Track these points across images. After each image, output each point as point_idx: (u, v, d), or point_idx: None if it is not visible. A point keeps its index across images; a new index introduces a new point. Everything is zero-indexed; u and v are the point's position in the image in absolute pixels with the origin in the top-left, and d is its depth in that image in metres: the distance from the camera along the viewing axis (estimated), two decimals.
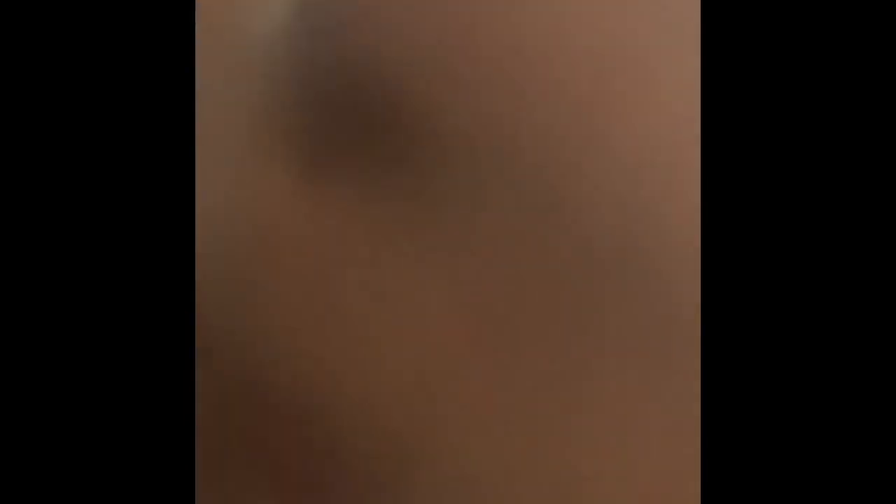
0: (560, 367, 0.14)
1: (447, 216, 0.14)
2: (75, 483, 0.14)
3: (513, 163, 0.14)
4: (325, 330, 0.14)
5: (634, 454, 0.14)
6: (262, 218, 0.15)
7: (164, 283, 0.14)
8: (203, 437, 0.14)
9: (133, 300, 0.14)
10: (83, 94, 0.14)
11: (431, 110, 0.14)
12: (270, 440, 0.15)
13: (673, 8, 0.14)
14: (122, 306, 0.14)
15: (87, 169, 0.14)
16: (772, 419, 0.14)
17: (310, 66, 0.15)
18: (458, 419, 0.14)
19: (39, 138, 0.14)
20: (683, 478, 0.14)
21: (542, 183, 0.14)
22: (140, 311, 0.14)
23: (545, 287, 0.14)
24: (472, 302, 0.14)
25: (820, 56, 0.14)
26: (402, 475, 0.14)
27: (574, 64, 0.14)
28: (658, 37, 0.14)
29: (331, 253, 0.14)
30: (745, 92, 0.14)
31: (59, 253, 0.14)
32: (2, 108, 0.14)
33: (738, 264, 0.14)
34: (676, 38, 0.14)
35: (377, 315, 0.14)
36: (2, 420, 0.14)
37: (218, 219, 0.15)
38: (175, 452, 0.14)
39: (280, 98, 0.15)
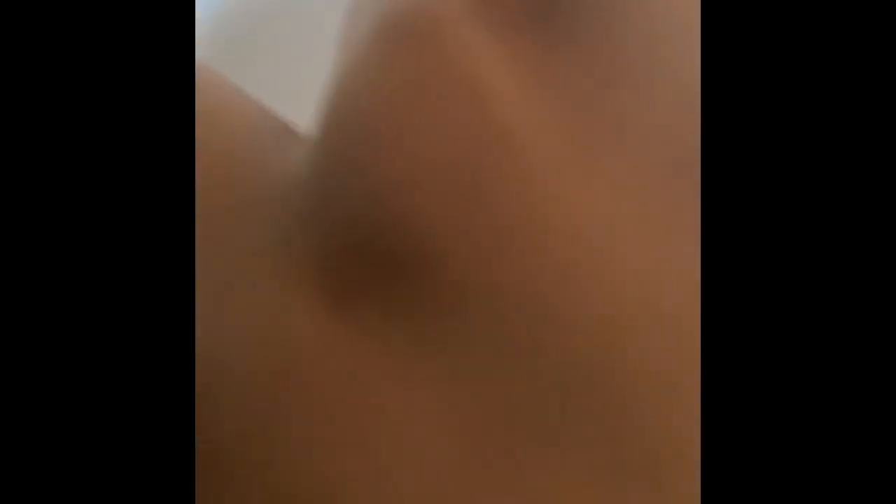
0: (553, 489, 0.15)
1: (458, 356, 0.15)
2: None
3: (518, 310, 0.15)
4: (339, 454, 0.15)
5: None
6: (281, 352, 0.15)
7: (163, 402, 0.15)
8: None
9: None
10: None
11: (445, 260, 0.15)
12: None
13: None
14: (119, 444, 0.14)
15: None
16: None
17: (330, 208, 0.15)
18: None
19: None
20: None
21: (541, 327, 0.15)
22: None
23: (540, 416, 0.15)
24: (474, 431, 0.15)
25: (821, 57, 0.14)
26: None
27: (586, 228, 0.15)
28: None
29: (347, 387, 0.15)
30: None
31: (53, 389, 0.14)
32: None
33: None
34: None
35: (388, 441, 0.15)
36: None
37: (230, 349, 0.16)
38: None
39: (303, 234, 0.16)
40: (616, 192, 0.15)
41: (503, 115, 0.15)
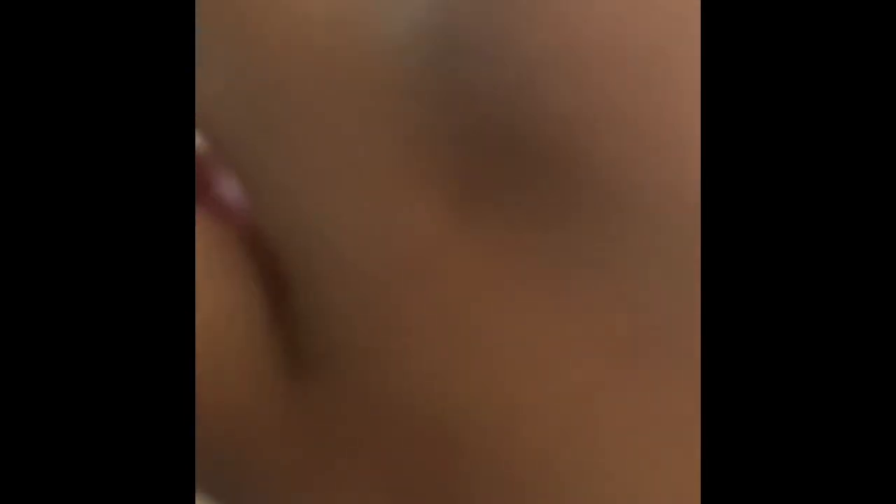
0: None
1: (597, 276, 0.14)
2: None
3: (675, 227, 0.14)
4: (458, 359, 0.14)
5: None
6: (400, 246, 0.14)
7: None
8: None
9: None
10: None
11: (597, 161, 0.13)
12: (393, 452, 0.15)
13: None
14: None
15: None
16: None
17: (460, 91, 0.14)
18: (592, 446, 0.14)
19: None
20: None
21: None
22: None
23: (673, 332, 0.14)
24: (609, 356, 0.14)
25: (823, 58, 0.14)
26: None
27: None
28: None
29: (471, 290, 0.14)
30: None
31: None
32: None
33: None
34: None
35: (510, 354, 0.14)
36: None
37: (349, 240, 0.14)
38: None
39: (426, 121, 0.14)
40: None
41: None
